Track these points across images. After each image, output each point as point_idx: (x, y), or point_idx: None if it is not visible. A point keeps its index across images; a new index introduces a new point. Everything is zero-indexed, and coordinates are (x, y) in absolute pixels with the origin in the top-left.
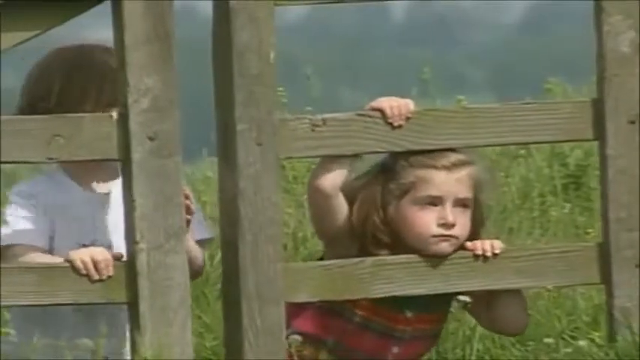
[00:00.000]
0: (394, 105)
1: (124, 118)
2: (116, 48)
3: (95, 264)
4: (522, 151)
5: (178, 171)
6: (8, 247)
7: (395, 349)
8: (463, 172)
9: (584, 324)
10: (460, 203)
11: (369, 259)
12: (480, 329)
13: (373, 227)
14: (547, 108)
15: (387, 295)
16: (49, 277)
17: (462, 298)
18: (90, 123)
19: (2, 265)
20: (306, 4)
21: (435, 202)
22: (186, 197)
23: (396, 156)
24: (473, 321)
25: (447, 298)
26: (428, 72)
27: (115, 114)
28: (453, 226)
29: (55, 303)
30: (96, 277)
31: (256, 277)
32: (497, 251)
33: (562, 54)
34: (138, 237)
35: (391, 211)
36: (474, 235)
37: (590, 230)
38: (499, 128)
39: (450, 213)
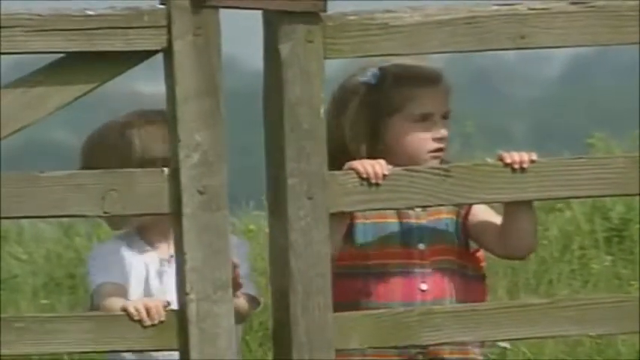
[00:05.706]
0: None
1: (175, 173)
2: (167, 102)
3: (147, 310)
4: (559, 205)
5: (226, 224)
6: (100, 287)
7: (423, 286)
8: (442, 85)
9: None
10: (445, 116)
11: (417, 308)
12: None
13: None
14: (597, 163)
15: (436, 342)
16: (105, 326)
17: (501, 344)
18: (142, 177)
19: (60, 314)
20: (356, 57)
21: (427, 117)
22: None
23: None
24: None
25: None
26: (471, 125)
27: (166, 169)
28: (444, 139)
29: (111, 350)
30: (148, 322)
31: (307, 326)
32: (534, 157)
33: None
34: (188, 288)
35: (382, 132)
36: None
37: (633, 282)
38: (548, 183)
39: (442, 127)
